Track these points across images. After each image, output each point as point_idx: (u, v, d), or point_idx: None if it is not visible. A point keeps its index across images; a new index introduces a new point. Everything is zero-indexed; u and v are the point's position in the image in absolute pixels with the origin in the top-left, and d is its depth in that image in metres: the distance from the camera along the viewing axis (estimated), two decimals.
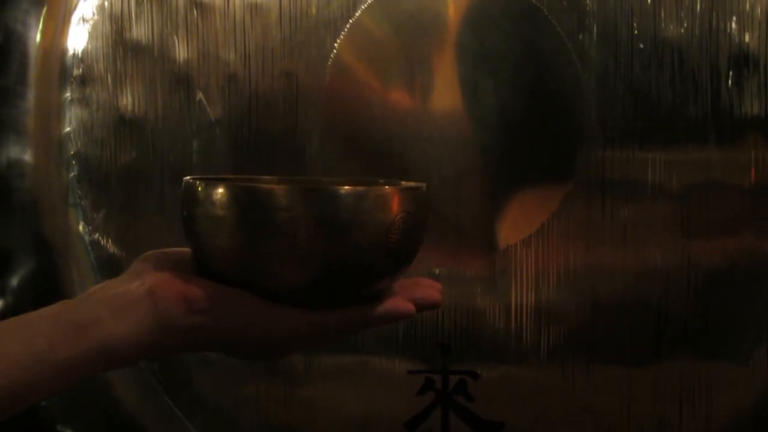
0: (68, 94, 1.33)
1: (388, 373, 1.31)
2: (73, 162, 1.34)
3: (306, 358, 1.32)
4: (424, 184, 0.83)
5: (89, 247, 1.34)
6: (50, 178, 1.34)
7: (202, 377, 1.35)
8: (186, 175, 0.83)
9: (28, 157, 1.33)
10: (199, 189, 0.79)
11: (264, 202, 0.77)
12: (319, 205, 0.76)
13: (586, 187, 1.26)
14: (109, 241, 1.34)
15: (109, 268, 1.32)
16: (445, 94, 1.29)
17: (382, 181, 0.87)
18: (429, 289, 0.83)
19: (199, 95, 1.31)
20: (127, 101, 1.32)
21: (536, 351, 1.28)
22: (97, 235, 1.34)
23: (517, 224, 1.28)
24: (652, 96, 1.25)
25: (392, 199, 0.78)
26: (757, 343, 1.26)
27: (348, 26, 1.28)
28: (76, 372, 0.75)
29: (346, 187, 0.78)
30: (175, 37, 1.31)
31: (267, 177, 0.94)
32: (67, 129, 1.34)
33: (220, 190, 0.77)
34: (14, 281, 1.31)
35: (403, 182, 0.84)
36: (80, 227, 1.34)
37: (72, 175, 1.34)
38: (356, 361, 1.31)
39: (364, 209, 0.76)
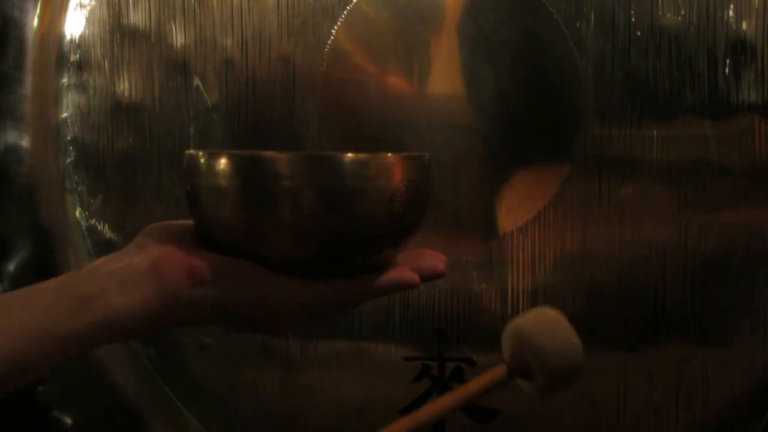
0: (65, 80, 1.33)
1: (384, 360, 1.31)
2: (70, 147, 1.34)
3: (302, 344, 1.32)
4: (427, 153, 0.83)
5: (86, 233, 1.34)
6: (47, 164, 1.34)
7: (200, 364, 1.35)
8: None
9: (25, 142, 1.33)
10: (202, 160, 0.79)
11: (267, 170, 0.77)
12: (323, 173, 0.76)
13: (584, 173, 1.26)
14: (106, 226, 1.34)
15: (106, 253, 1.31)
16: (443, 80, 1.28)
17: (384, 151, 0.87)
18: (433, 260, 0.83)
19: (196, 81, 1.31)
20: (124, 87, 1.32)
21: None
22: (94, 220, 1.34)
23: (514, 210, 1.28)
24: (649, 83, 1.25)
25: (395, 167, 0.78)
26: (754, 329, 1.26)
27: (345, 12, 1.28)
28: (81, 345, 0.75)
29: (350, 155, 0.78)
30: (172, 22, 1.31)
31: (269, 152, 0.94)
32: (64, 114, 1.34)
33: (223, 161, 0.78)
34: (11, 267, 1.31)
35: (406, 152, 0.84)
36: (77, 213, 1.34)
37: (69, 160, 1.34)
38: (352, 347, 1.31)
39: (367, 177, 0.76)
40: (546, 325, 0.86)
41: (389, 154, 0.81)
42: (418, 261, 0.82)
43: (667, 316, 1.26)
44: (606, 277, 1.27)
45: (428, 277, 0.82)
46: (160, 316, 0.76)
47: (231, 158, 0.78)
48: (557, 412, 1.29)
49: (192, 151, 0.80)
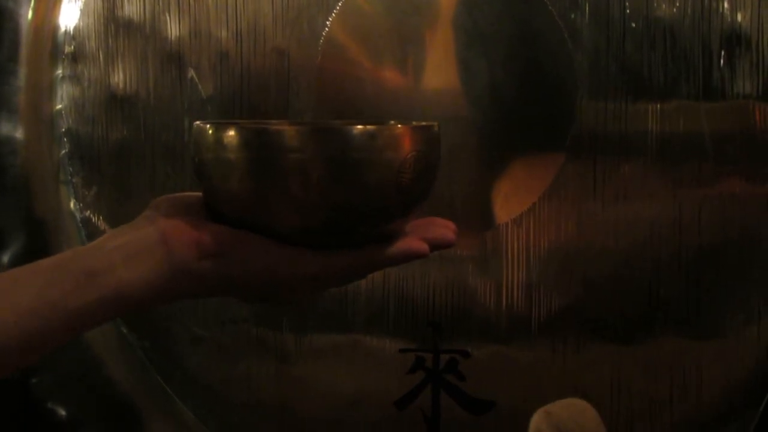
0: (60, 72, 1.33)
1: (378, 352, 1.31)
2: (65, 139, 1.34)
3: (297, 336, 1.32)
4: (436, 123, 0.82)
5: (80, 225, 1.34)
6: (41, 156, 1.34)
7: (194, 356, 1.35)
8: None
9: (19, 134, 1.33)
10: (210, 132, 0.78)
11: (274, 143, 0.76)
12: (330, 145, 0.75)
13: (578, 165, 1.26)
14: (101, 218, 1.34)
15: None
16: (438, 72, 1.28)
17: (393, 121, 0.86)
18: (443, 229, 0.82)
19: (191, 73, 1.31)
20: (118, 78, 1.32)
21: (527, 329, 1.28)
22: (89, 212, 1.34)
23: (509, 202, 1.28)
24: (644, 75, 1.25)
25: (404, 138, 0.78)
26: (748, 321, 1.27)
27: (340, 4, 1.28)
28: (89, 319, 0.75)
29: (358, 127, 0.77)
30: (167, 14, 1.31)
31: (278, 120, 0.94)
32: (59, 106, 1.34)
33: (231, 133, 0.77)
34: (5, 258, 1.31)
35: (415, 122, 0.84)
36: (71, 204, 1.34)
37: (63, 152, 1.34)
38: (347, 339, 1.31)
39: (375, 148, 0.76)
40: (575, 413, 0.87)
41: (398, 125, 0.81)
42: (428, 230, 0.81)
43: (662, 308, 1.27)
44: (601, 267, 1.27)
45: (438, 247, 0.81)
46: (167, 289, 0.76)
47: (239, 130, 0.77)
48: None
49: (200, 123, 0.80)
